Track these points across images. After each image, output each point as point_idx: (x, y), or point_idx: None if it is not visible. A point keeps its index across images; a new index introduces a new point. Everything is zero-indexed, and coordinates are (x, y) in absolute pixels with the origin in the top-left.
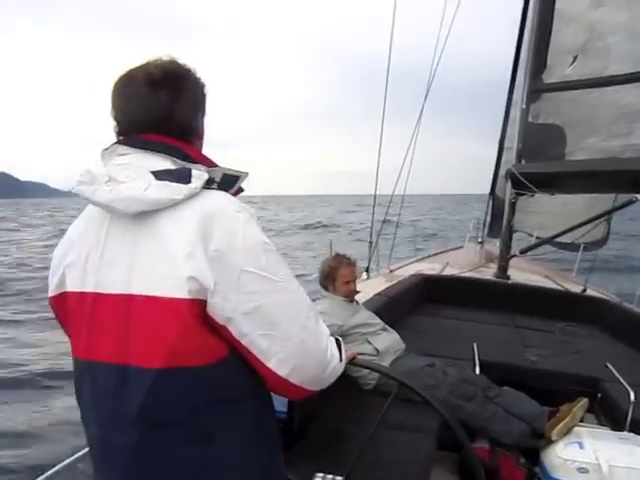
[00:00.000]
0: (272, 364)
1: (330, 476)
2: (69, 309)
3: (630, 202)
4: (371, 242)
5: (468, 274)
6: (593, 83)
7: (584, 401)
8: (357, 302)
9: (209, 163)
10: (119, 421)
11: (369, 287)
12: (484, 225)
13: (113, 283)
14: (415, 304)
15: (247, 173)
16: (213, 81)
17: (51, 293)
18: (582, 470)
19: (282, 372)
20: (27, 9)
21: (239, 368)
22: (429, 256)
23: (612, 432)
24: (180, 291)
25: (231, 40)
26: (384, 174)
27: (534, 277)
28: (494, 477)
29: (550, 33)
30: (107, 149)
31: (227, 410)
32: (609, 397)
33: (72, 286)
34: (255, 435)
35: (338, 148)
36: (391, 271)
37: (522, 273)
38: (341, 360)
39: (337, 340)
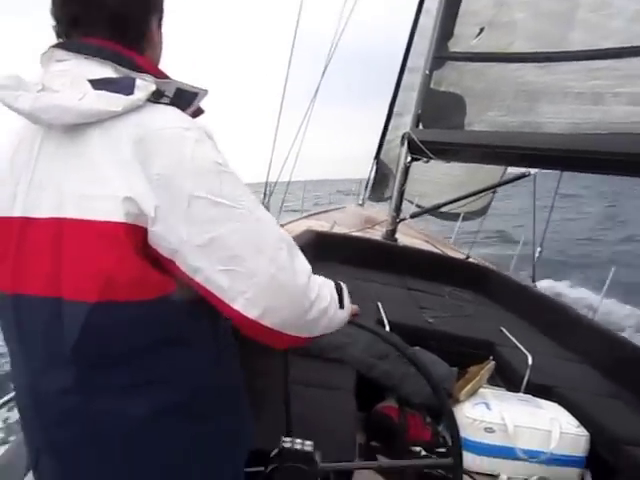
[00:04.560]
0: (239, 305)
1: (299, 440)
2: None
3: (523, 176)
4: (265, 194)
5: (357, 234)
6: (499, 57)
7: (491, 364)
8: None
9: (160, 74)
10: (51, 362)
11: None
12: (366, 188)
13: (43, 206)
14: (309, 261)
15: (206, 90)
16: None
17: None
18: (489, 430)
19: (252, 314)
20: None
21: (191, 308)
22: (315, 214)
23: (512, 394)
24: (116, 214)
25: None
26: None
27: (417, 241)
28: (402, 435)
29: (460, 1)
30: (45, 53)
31: (178, 353)
32: (504, 360)
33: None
34: (213, 383)
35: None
36: (281, 226)
37: (405, 237)
38: (342, 307)
39: (338, 284)
